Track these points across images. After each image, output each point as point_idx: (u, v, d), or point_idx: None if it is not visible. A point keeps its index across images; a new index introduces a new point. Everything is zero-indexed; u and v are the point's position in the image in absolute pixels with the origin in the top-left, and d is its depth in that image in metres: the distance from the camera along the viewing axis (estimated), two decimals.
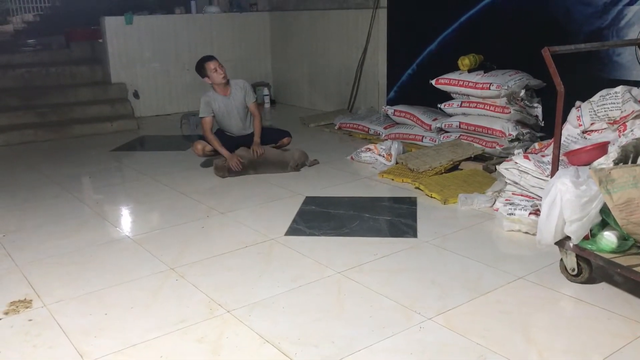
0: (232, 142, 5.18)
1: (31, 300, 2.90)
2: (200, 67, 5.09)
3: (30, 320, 2.72)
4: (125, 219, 4.21)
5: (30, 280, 3.13)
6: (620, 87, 3.90)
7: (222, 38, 8.30)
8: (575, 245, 2.78)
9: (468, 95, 5.16)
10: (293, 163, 4.95)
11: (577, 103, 4.13)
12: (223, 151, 4.98)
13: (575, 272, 2.87)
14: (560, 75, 2.80)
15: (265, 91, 8.42)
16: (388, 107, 6.00)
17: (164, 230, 3.81)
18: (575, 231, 2.73)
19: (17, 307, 2.83)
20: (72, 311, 2.79)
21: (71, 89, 7.49)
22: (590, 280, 2.86)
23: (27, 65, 7.80)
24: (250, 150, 4.98)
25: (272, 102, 8.57)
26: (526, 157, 3.82)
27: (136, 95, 7.76)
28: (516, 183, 3.83)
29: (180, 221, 3.94)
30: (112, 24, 7.57)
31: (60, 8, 11.84)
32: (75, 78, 7.79)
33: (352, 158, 5.31)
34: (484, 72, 5.10)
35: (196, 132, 6.76)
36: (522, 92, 4.91)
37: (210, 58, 5.10)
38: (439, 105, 5.41)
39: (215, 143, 5.03)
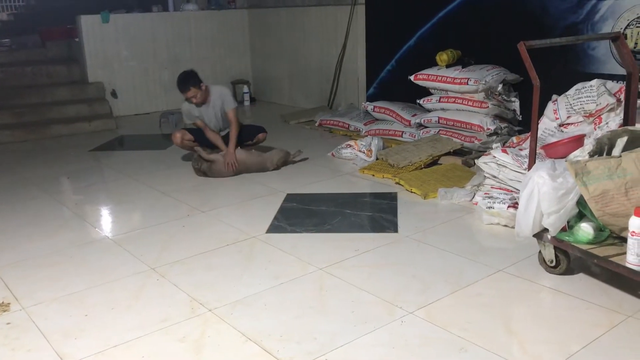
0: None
1: (9, 304, 2.86)
2: (180, 90, 4.99)
3: (8, 323, 2.68)
4: (105, 220, 4.17)
5: (8, 283, 3.08)
6: (595, 80, 3.97)
7: (200, 36, 8.25)
8: (553, 237, 2.82)
9: (446, 91, 5.20)
10: (271, 166, 4.91)
11: (554, 97, 4.19)
12: (223, 147, 4.97)
13: (553, 264, 2.91)
14: (537, 69, 2.83)
15: (245, 89, 8.38)
16: (368, 103, 6.01)
17: (145, 230, 3.79)
18: (552, 223, 2.77)
19: None
20: (51, 313, 2.76)
21: (48, 88, 7.40)
22: (568, 271, 2.91)
23: (2, 65, 7.67)
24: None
25: (252, 99, 8.53)
26: (504, 151, 3.86)
27: (114, 94, 7.68)
28: (495, 177, 3.87)
29: (160, 221, 3.92)
30: (89, 23, 7.47)
31: (36, 6, 11.67)
32: (52, 77, 7.68)
33: (332, 155, 5.32)
34: (462, 68, 5.14)
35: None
36: (500, 87, 4.96)
37: (183, 89, 4.91)
38: (417, 101, 5.44)
39: (218, 141, 5.03)
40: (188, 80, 4.92)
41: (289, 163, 5.07)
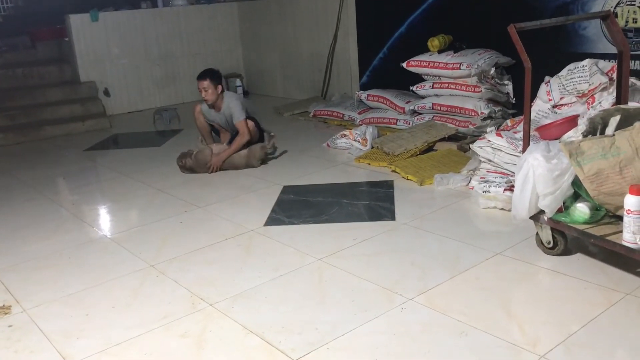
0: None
1: (10, 306, 2.86)
2: (197, 77, 5.01)
3: (10, 326, 2.69)
4: (103, 219, 4.16)
5: (8, 286, 3.09)
6: (587, 60, 3.96)
7: (190, 30, 8.21)
8: (550, 219, 2.83)
9: (439, 76, 5.19)
10: (257, 162, 4.86)
11: (546, 78, 4.18)
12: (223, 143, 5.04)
13: (551, 245, 2.92)
14: (528, 51, 2.82)
15: (238, 82, 8.35)
16: (361, 92, 6.00)
17: (142, 228, 3.79)
18: (548, 205, 2.77)
19: None
20: (52, 314, 2.76)
21: (40, 89, 7.36)
22: (565, 252, 2.92)
23: None
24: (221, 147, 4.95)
25: (246, 93, 8.50)
26: (499, 135, 3.86)
27: (107, 93, 7.65)
28: (490, 160, 3.87)
29: (158, 218, 3.92)
30: (78, 22, 7.44)
31: (24, 8, 11.57)
32: (43, 78, 7.64)
33: (328, 145, 5.31)
34: (454, 53, 5.13)
35: (170, 127, 6.71)
36: (492, 70, 4.95)
37: (200, 76, 4.94)
38: (411, 88, 5.43)
39: (225, 140, 5.10)
40: (209, 72, 4.96)
41: (271, 149, 5.01)
